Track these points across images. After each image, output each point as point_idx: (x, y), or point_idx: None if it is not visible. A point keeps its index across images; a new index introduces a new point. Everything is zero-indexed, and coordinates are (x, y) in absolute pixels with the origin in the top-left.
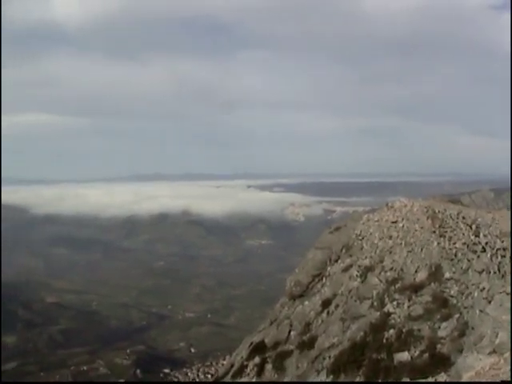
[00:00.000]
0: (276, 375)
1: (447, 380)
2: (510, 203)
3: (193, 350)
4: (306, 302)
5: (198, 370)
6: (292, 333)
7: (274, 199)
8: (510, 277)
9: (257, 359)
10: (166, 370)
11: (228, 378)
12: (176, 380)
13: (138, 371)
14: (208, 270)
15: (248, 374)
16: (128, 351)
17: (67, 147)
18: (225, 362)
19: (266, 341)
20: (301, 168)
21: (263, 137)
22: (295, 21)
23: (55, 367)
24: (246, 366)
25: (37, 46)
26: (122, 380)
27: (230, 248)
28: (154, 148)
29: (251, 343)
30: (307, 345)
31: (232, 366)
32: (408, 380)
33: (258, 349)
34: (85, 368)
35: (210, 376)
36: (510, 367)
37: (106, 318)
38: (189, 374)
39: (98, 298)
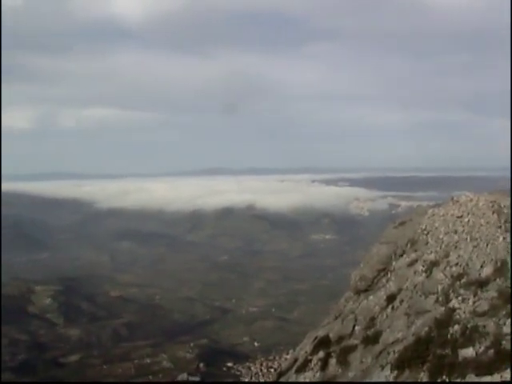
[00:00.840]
0: (340, 370)
1: None
2: None
3: (256, 344)
4: (371, 297)
5: (261, 364)
6: (356, 327)
7: (339, 193)
8: None
9: (321, 354)
10: (229, 364)
11: (291, 373)
12: (238, 373)
13: (201, 365)
14: (272, 265)
15: (312, 369)
16: (191, 345)
17: (133, 142)
18: (288, 357)
19: (331, 335)
20: (366, 162)
21: (328, 131)
22: (361, 14)
23: (118, 360)
24: (310, 361)
25: (102, 42)
26: (184, 373)
27: (295, 242)
28: (218, 142)
29: (315, 337)
30: (371, 339)
31: (296, 360)
32: (473, 376)
33: (323, 343)
34: (148, 361)
35: (272, 370)
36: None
37: (169, 311)
38: (252, 368)
39: (161, 292)
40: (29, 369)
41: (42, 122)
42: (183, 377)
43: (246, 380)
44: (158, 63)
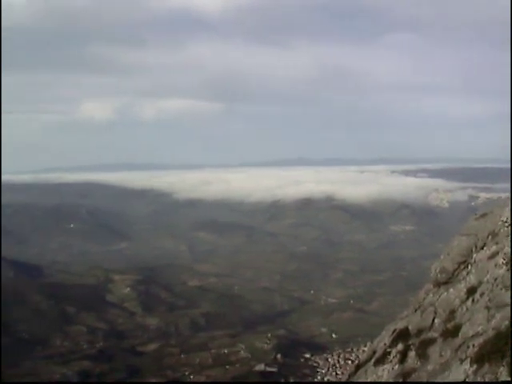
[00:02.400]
0: (419, 363)
1: None
2: None
3: (334, 336)
4: (451, 290)
5: (339, 356)
6: (436, 320)
7: (418, 185)
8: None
9: (400, 346)
10: (307, 355)
11: (370, 365)
12: (316, 365)
13: (279, 355)
14: (351, 256)
15: (391, 361)
16: (269, 335)
17: (212, 132)
18: (366, 349)
19: (410, 328)
20: (445, 153)
21: (406, 121)
22: (442, 3)
23: (196, 350)
24: (389, 353)
25: (179, 33)
26: (262, 364)
27: (374, 233)
28: (297, 133)
29: (394, 330)
30: (451, 333)
31: (374, 352)
32: None
33: (402, 336)
34: (225, 351)
35: (350, 362)
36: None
37: (247, 301)
38: (329, 359)
39: (240, 282)
40: (107, 357)
41: (120, 114)
42: (260, 367)
43: (323, 371)
44: (237, 54)
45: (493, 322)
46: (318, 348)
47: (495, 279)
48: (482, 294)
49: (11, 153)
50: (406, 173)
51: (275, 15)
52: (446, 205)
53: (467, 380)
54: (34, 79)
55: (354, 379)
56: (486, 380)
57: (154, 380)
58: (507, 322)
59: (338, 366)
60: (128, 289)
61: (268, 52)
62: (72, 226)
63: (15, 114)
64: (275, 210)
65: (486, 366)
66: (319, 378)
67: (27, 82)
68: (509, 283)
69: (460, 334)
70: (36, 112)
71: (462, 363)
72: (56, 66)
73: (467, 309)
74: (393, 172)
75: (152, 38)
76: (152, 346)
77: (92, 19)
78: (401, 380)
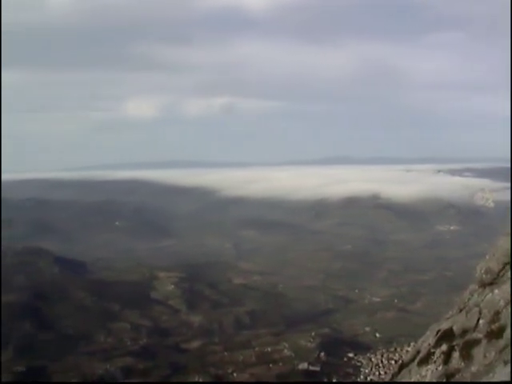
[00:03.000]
0: (463, 364)
1: None
2: None
3: (377, 335)
4: (496, 290)
5: (382, 356)
6: (481, 321)
7: (464, 184)
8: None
9: (444, 347)
10: (350, 355)
11: (413, 365)
12: (359, 364)
13: (322, 354)
14: (396, 255)
15: (434, 362)
16: (313, 334)
17: (258, 130)
18: (409, 349)
19: (454, 328)
20: (491, 152)
21: (453, 120)
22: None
23: (239, 348)
24: (433, 354)
25: (225, 31)
26: (305, 363)
27: (419, 233)
28: (343, 131)
29: (438, 330)
30: (496, 334)
31: (418, 352)
32: None
33: (446, 336)
34: (269, 349)
35: (393, 362)
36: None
37: (292, 300)
38: (372, 359)
39: (284, 280)
40: (150, 354)
41: (167, 111)
42: (304, 366)
43: (366, 371)
44: (284, 52)
45: None
46: (362, 347)
47: None
48: None
49: (59, 150)
50: (452, 172)
51: (320, 13)
52: (492, 204)
53: None
54: (81, 77)
55: (398, 379)
56: None
57: (197, 377)
58: None
59: (381, 365)
60: (172, 286)
61: (313, 50)
62: (117, 223)
63: (63, 111)
64: (320, 208)
65: None
66: (362, 377)
67: (74, 80)
68: None
69: (504, 336)
70: (83, 110)
71: (505, 365)
72: (103, 64)
73: None
74: (438, 171)
75: (198, 36)
76: (195, 344)
77: (139, 17)
78: (444, 381)
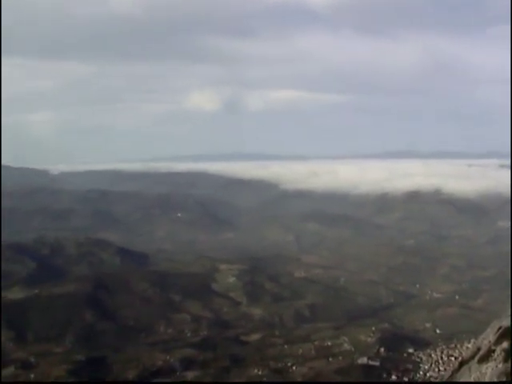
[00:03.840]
0: None
1: None
2: None
3: (438, 331)
4: None
5: (442, 352)
6: None
7: None
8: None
9: (505, 344)
10: (410, 350)
11: (474, 362)
12: (418, 360)
13: (382, 349)
14: (458, 251)
15: (495, 359)
16: (373, 329)
17: (320, 123)
18: (469, 346)
19: None
20: None
21: None
22: None
23: (299, 341)
24: (493, 351)
25: (288, 24)
26: (364, 357)
27: (481, 228)
28: (406, 124)
29: (500, 327)
30: None
31: (478, 349)
32: None
33: (507, 333)
34: (329, 343)
35: (453, 358)
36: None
37: (353, 294)
38: (432, 355)
39: (346, 274)
40: (210, 345)
41: (230, 104)
42: (363, 360)
43: (426, 367)
44: (346, 45)
45: None
46: (422, 343)
47: None
48: None
49: (122, 142)
50: None
51: (382, 5)
52: None
53: None
54: (145, 69)
55: (457, 376)
56: None
57: (256, 370)
58: None
59: (440, 362)
60: (234, 278)
61: (376, 43)
62: (179, 215)
63: (126, 103)
64: (383, 202)
65: None
66: (421, 373)
67: (137, 73)
68: None
69: None
70: (146, 102)
71: None
72: (166, 56)
73: None
74: (502, 166)
75: (261, 28)
76: (256, 336)
77: (202, 10)
78: (504, 379)
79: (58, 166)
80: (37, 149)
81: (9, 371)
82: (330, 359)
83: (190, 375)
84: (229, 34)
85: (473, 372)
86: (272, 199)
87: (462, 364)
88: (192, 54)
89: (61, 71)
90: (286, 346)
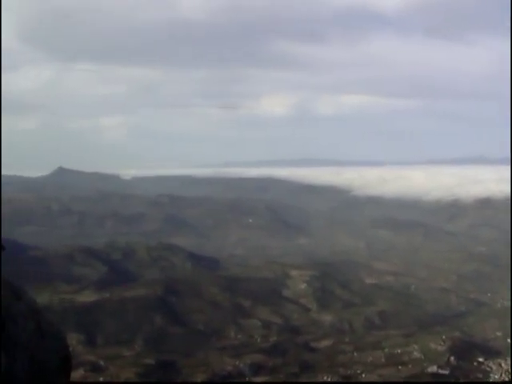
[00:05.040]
0: None
1: None
2: None
3: (509, 340)
4: None
5: None
6: None
7: None
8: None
9: None
10: (480, 359)
11: None
12: (489, 370)
13: (452, 358)
14: None
15: None
16: (443, 337)
17: (391, 128)
18: None
19: None
20: None
21: None
22: None
23: (369, 348)
24: None
25: (357, 28)
26: (434, 366)
27: None
28: (477, 130)
29: None
30: None
31: None
32: None
33: None
34: (399, 351)
35: None
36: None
37: (423, 301)
38: (502, 364)
39: (416, 281)
40: (280, 351)
41: (300, 109)
42: (433, 369)
43: (496, 377)
44: (416, 49)
45: None
46: (492, 352)
47: None
48: None
49: (194, 147)
50: None
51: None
52: None
53: None
54: (215, 74)
55: None
56: None
57: (325, 377)
58: None
59: (510, 371)
60: (304, 284)
61: (446, 47)
62: (250, 220)
63: (197, 108)
64: (454, 208)
65: None
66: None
67: (207, 77)
68: None
69: None
70: (217, 107)
71: None
72: (236, 61)
73: None
74: None
75: (331, 33)
76: (325, 343)
77: (271, 15)
78: None
79: (129, 171)
80: (108, 154)
81: (78, 374)
82: (400, 367)
83: (259, 380)
84: (299, 39)
85: None
86: (343, 205)
87: None
88: (262, 60)
89: (132, 76)
90: (355, 353)
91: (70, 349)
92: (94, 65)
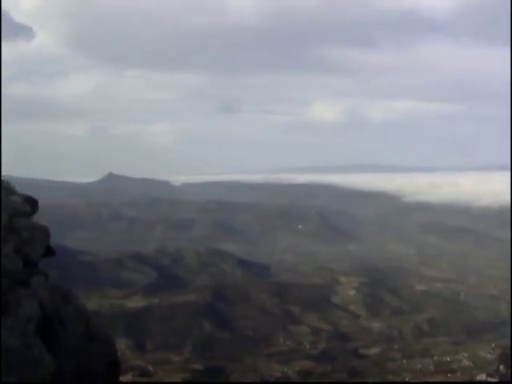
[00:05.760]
0: None
1: None
2: None
3: None
4: None
5: None
6: None
7: None
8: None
9: None
10: None
11: None
12: None
13: (502, 366)
14: None
15: None
16: (493, 345)
17: (442, 134)
18: None
19: None
20: None
21: None
22: None
23: (418, 355)
24: None
25: (408, 33)
26: (483, 374)
27: None
28: None
29: None
30: None
31: None
32: None
33: None
34: (448, 359)
35: None
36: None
37: (473, 308)
38: None
39: (466, 288)
40: (329, 358)
41: (350, 115)
42: (482, 377)
43: None
44: (468, 54)
45: None
46: None
47: None
48: None
49: (244, 153)
50: None
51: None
52: None
53: None
54: (266, 79)
55: None
56: None
57: None
58: None
59: None
60: (354, 291)
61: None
62: (300, 226)
63: (247, 114)
64: (504, 215)
65: None
66: None
67: (256, 83)
68: None
69: None
70: (267, 113)
71: None
72: (288, 66)
73: None
74: None
75: (381, 38)
76: (374, 350)
77: (323, 20)
78: None
79: (179, 177)
80: (158, 160)
81: (127, 378)
82: (449, 375)
83: None
84: (349, 44)
85: None
86: (393, 211)
87: None
88: (312, 65)
89: (180, 82)
90: (404, 361)
91: (119, 353)
92: (143, 71)
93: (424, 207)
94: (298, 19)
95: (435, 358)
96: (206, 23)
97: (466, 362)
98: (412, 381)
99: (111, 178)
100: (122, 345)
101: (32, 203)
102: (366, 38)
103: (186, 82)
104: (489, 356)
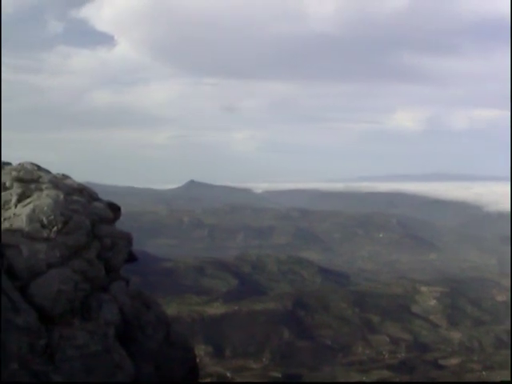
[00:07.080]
0: None
1: None
2: None
3: None
4: None
5: None
6: None
7: None
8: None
9: None
10: None
11: None
12: None
13: None
14: None
15: None
16: None
17: None
18: None
19: None
20: None
21: None
22: None
23: (498, 367)
24: None
25: (490, 41)
26: None
27: None
28: None
29: None
30: None
31: None
32: None
33: None
34: None
35: None
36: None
37: None
38: None
39: None
40: (407, 368)
41: (432, 123)
42: None
43: None
44: None
45: None
46: None
47: None
48: None
49: (325, 161)
50: None
51: None
52: None
53: None
54: (348, 88)
55: None
56: None
57: None
58: None
59: None
60: (434, 301)
61: None
62: (381, 235)
63: (328, 123)
64: None
65: None
66: None
67: (338, 92)
68: None
69: None
70: (348, 121)
71: None
72: (369, 75)
73: None
74: None
75: (463, 46)
76: (454, 361)
77: (404, 27)
78: None
79: (260, 185)
80: (239, 167)
81: None
82: None
83: None
84: (431, 52)
85: None
86: (473, 220)
87: None
88: (394, 73)
89: (263, 90)
90: (484, 372)
91: (198, 360)
92: (223, 79)
93: (505, 217)
94: (377, 28)
95: None
96: (287, 32)
97: None
98: None
99: (192, 185)
100: (201, 351)
101: (115, 210)
102: (449, 45)
103: (270, 91)
104: None
